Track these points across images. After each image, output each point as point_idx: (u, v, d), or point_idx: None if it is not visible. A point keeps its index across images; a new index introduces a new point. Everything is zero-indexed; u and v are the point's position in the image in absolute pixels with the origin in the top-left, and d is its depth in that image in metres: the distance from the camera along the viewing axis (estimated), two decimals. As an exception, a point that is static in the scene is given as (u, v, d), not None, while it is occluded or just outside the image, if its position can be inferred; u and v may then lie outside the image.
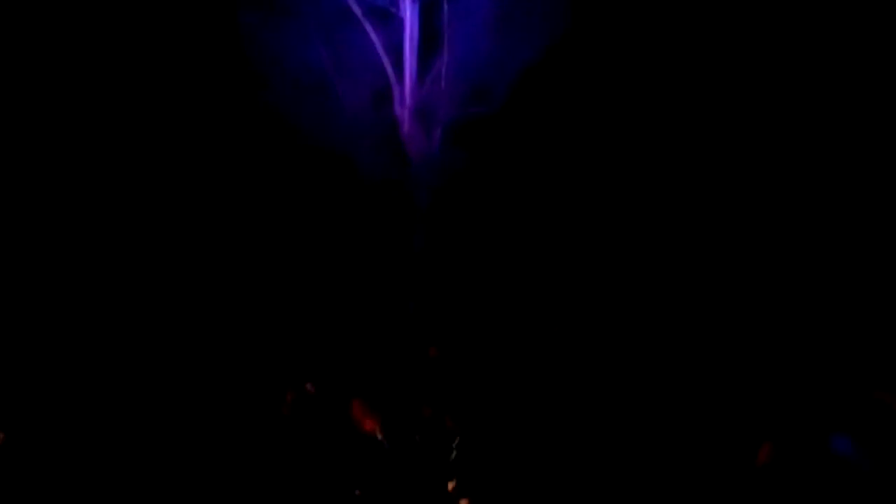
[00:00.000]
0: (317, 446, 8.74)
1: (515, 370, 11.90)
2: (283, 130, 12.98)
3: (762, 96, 12.74)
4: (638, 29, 12.94)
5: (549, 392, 10.63)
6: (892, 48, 11.99)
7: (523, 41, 12.48)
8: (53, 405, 9.45)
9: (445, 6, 12.49)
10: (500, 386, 10.97)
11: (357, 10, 12.52)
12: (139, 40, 13.24)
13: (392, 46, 12.72)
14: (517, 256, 13.03)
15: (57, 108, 13.18)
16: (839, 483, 7.37)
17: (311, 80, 12.73)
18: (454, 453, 8.47)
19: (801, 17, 12.45)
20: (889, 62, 12.00)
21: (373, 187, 13.01)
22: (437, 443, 8.72)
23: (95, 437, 8.91)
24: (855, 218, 11.97)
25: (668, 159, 12.84)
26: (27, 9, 13.06)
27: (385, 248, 13.03)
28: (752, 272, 12.05)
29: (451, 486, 8.38)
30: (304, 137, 12.86)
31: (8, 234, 12.51)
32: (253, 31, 12.59)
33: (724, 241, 12.43)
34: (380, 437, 8.61)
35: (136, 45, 13.23)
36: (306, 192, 13.16)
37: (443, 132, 12.98)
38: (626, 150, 12.94)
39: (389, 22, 12.65)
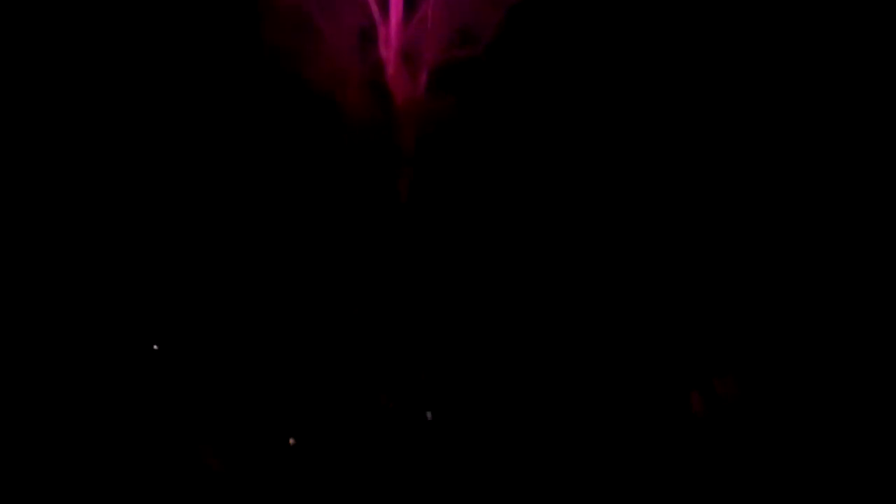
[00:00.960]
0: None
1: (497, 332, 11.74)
2: (267, 71, 12.65)
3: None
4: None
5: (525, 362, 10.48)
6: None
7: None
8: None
9: (433, -56, 12.44)
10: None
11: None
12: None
13: (378, -15, 12.60)
14: (505, 204, 12.79)
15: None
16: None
17: (295, 21, 12.44)
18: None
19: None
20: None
21: (357, 130, 12.69)
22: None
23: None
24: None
25: (662, 105, 12.80)
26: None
27: (370, 191, 12.67)
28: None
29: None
30: (288, 79, 12.53)
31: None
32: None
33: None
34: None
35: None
36: (291, 133, 12.76)
37: (429, 75, 12.77)
38: (617, 96, 12.86)
39: (376, -40, 12.54)
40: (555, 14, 12.81)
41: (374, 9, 12.61)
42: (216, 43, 12.73)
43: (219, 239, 12.25)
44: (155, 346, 10.89)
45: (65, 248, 11.92)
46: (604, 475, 8.32)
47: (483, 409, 10.06)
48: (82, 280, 11.62)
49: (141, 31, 12.77)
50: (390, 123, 12.70)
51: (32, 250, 11.84)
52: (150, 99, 12.76)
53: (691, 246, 12.09)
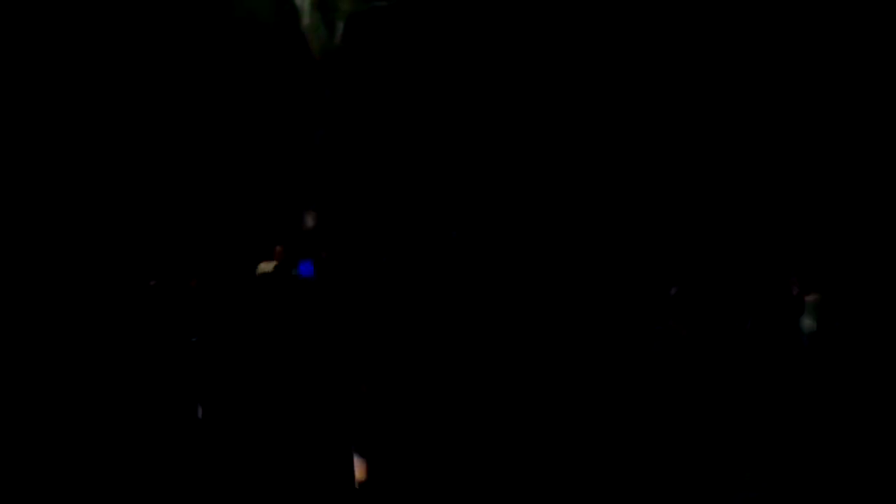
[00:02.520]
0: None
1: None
2: (178, 22, 12.22)
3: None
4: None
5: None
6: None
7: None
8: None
9: None
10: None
11: None
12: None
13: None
14: (423, 162, 12.71)
15: None
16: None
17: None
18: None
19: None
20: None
21: (272, 81, 12.42)
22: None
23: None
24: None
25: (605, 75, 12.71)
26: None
27: (282, 144, 12.45)
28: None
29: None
30: (199, 30, 12.14)
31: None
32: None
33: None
34: None
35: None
36: (203, 84, 12.38)
37: (346, 25, 12.55)
38: (551, 48, 12.75)
39: None
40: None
41: (289, -45, 12.31)
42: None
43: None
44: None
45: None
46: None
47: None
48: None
49: None
50: (306, 75, 12.48)
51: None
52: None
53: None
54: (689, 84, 12.45)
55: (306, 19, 12.43)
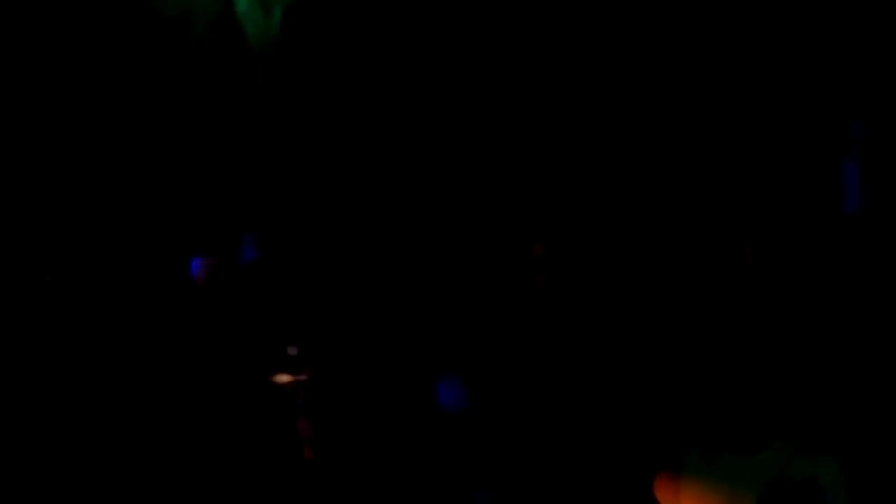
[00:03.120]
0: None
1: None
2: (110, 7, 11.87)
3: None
4: None
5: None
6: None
7: None
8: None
9: None
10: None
11: None
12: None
13: None
14: (363, 155, 11.93)
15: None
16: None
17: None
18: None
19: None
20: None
21: (205, 69, 11.88)
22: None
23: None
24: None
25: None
26: None
27: (217, 135, 11.91)
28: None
29: None
30: (128, 12, 11.74)
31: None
32: None
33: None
34: None
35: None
36: (132, 73, 11.98)
37: (284, 11, 11.86)
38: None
39: None
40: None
41: (224, -62, 11.71)
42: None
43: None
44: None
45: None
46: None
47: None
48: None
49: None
50: (240, 63, 11.88)
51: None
52: None
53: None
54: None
55: (242, 5, 11.82)
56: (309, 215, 11.68)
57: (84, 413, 9.05)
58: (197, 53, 11.81)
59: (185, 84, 11.91)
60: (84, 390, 9.22)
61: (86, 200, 11.47)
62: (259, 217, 11.64)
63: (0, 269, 10.56)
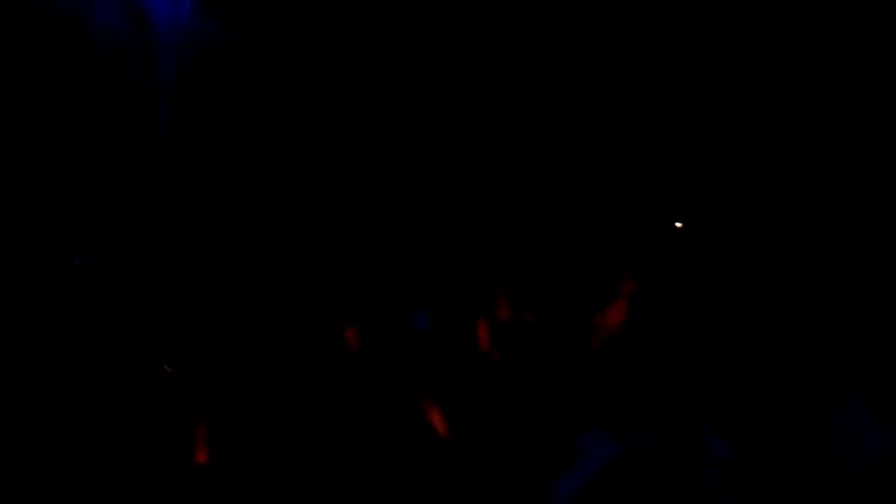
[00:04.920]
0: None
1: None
2: None
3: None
4: None
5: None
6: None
7: None
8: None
9: None
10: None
11: None
12: None
13: None
14: (276, 146, 11.53)
15: None
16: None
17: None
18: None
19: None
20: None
21: (109, 57, 11.31)
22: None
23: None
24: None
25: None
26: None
27: (122, 126, 11.34)
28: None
29: None
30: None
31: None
32: None
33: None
34: None
35: None
36: (31, 60, 11.31)
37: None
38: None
39: None
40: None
41: (128, -82, 11.17)
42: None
43: None
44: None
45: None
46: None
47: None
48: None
49: None
50: (147, 51, 11.36)
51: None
52: None
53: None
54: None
55: (148, -10, 11.31)
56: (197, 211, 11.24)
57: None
58: (100, 41, 11.23)
59: (83, 73, 11.32)
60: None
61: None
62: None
63: None
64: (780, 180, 10.56)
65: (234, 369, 8.92)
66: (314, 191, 11.31)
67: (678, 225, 10.34)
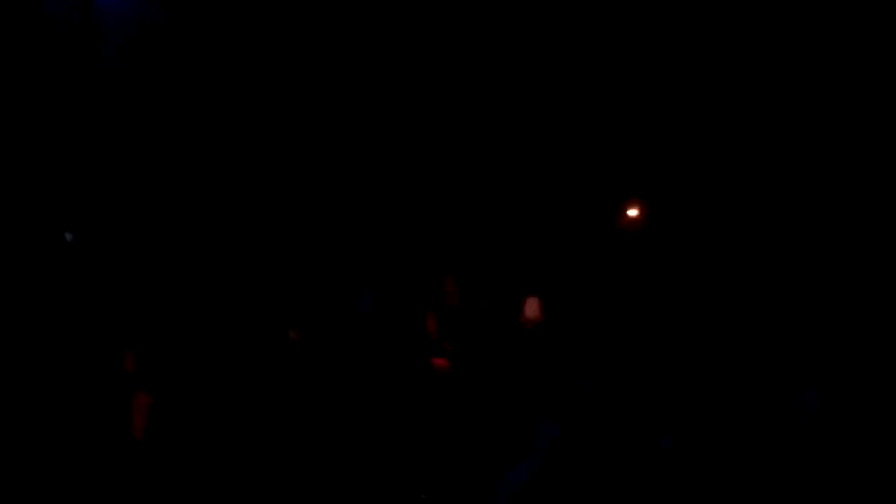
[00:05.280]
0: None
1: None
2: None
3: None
4: None
5: None
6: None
7: None
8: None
9: None
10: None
11: None
12: None
13: None
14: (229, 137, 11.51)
15: None
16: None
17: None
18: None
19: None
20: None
21: (53, 40, 11.17)
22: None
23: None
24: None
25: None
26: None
27: (68, 111, 11.22)
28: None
29: None
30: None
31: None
32: None
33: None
34: None
35: None
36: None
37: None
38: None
39: None
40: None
41: None
42: None
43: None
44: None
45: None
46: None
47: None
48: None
49: None
50: (91, 34, 11.25)
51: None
52: None
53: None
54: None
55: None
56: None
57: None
58: (40, 23, 11.09)
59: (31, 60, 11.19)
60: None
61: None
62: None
63: None
64: (757, 177, 10.79)
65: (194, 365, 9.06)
66: (259, 178, 11.36)
67: (633, 213, 10.55)
